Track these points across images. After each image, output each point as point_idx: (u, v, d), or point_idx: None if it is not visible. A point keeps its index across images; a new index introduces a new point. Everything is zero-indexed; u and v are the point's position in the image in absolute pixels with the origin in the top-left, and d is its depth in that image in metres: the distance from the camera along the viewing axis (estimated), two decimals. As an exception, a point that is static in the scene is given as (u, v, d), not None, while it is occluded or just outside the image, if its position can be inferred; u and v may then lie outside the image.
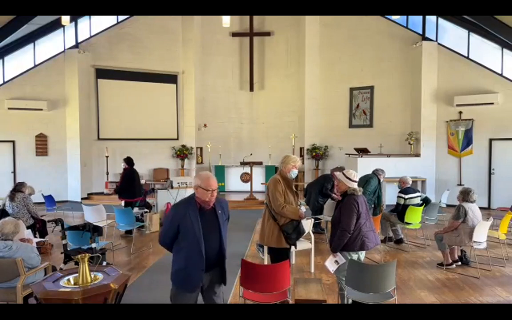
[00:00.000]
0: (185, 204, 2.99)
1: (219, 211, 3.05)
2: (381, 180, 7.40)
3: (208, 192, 2.90)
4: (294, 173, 4.25)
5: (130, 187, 8.23)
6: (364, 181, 7.06)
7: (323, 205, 7.64)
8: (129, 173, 8.33)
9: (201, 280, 2.95)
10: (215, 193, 2.95)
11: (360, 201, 3.90)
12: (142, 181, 9.17)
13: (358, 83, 13.34)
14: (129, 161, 8.44)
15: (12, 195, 6.65)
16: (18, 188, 6.79)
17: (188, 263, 2.90)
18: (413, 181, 8.32)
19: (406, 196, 6.95)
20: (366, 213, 3.96)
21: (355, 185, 3.98)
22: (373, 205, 7.18)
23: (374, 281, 3.56)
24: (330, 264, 3.90)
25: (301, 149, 14.03)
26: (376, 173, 7.36)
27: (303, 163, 13.22)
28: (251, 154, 13.10)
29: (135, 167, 8.46)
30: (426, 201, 7.47)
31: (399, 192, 7.14)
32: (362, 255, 3.98)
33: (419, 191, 7.45)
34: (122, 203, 8.30)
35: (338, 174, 8.39)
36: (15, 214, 6.44)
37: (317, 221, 7.42)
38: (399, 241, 7.11)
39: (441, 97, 11.63)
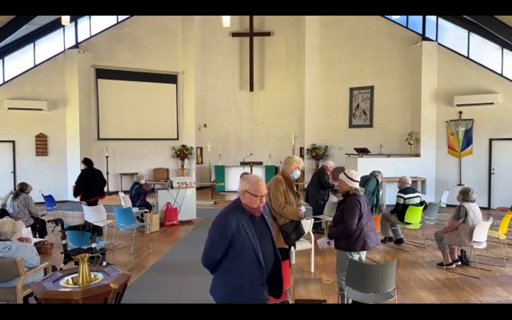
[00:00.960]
0: (233, 212, 2.58)
1: (266, 217, 2.76)
2: (379, 180, 7.43)
3: (257, 198, 2.56)
4: (296, 174, 4.25)
5: (86, 187, 8.17)
6: (363, 182, 7.06)
7: (325, 203, 7.66)
8: (85, 173, 8.33)
9: (262, 296, 2.62)
10: (264, 199, 2.62)
11: (362, 201, 3.92)
12: (142, 181, 9.15)
13: (358, 83, 13.35)
14: (86, 161, 8.45)
15: (16, 194, 6.70)
16: (22, 188, 6.84)
17: (247, 279, 2.53)
18: (413, 181, 8.31)
19: (406, 196, 6.95)
20: (368, 213, 3.97)
21: (356, 185, 3.99)
22: (372, 205, 7.19)
23: (374, 281, 3.56)
24: (322, 242, 4.22)
25: (301, 149, 14.03)
26: (374, 174, 7.39)
27: (303, 163, 13.22)
28: (251, 154, 13.11)
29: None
30: (422, 205, 7.31)
31: (399, 191, 7.14)
32: (363, 255, 3.99)
33: (418, 192, 7.44)
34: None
35: (330, 165, 8.35)
36: (16, 214, 6.47)
37: (317, 221, 7.43)
38: (399, 241, 7.11)
39: (441, 97, 11.63)
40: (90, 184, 8.25)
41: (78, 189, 8.26)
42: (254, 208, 2.58)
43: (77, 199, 8.43)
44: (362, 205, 3.89)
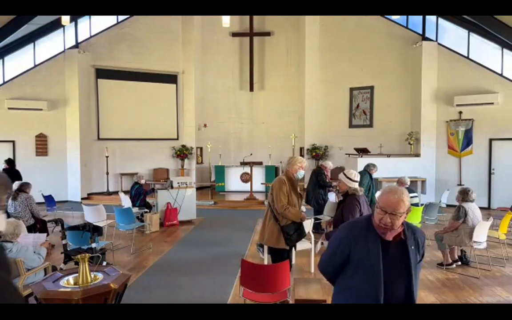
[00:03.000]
0: (362, 224, 2.12)
1: (412, 247, 2.07)
2: (373, 175, 7.41)
3: (382, 213, 1.98)
4: (300, 174, 4.26)
5: None
6: None
7: (325, 202, 7.66)
8: (7, 173, 8.31)
9: None
10: (396, 219, 1.97)
11: (361, 201, 3.93)
12: (142, 181, 9.15)
13: (358, 83, 13.35)
14: (9, 162, 8.43)
15: (15, 195, 6.68)
16: (22, 188, 6.82)
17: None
18: (413, 181, 8.31)
19: (405, 196, 6.93)
20: (368, 212, 3.97)
21: (356, 185, 4.00)
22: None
23: (374, 281, 3.56)
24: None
25: (301, 149, 14.03)
26: (367, 169, 7.36)
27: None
28: (251, 154, 13.10)
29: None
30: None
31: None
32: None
33: (415, 192, 7.44)
34: None
35: (329, 166, 8.32)
36: (17, 214, 6.46)
37: (317, 222, 7.43)
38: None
39: (441, 97, 11.63)
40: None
41: None
42: (377, 224, 2.03)
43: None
44: (361, 204, 3.90)
